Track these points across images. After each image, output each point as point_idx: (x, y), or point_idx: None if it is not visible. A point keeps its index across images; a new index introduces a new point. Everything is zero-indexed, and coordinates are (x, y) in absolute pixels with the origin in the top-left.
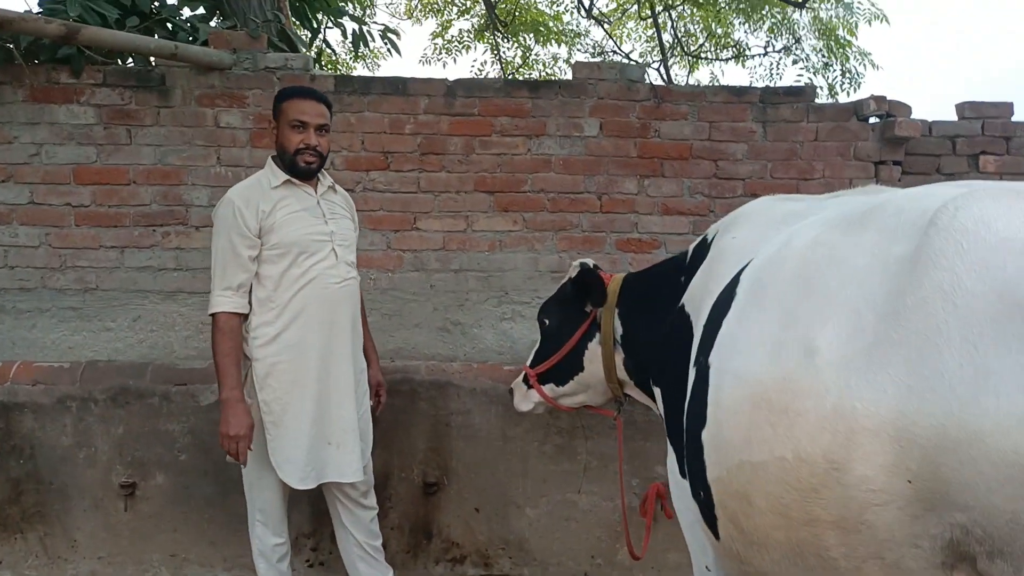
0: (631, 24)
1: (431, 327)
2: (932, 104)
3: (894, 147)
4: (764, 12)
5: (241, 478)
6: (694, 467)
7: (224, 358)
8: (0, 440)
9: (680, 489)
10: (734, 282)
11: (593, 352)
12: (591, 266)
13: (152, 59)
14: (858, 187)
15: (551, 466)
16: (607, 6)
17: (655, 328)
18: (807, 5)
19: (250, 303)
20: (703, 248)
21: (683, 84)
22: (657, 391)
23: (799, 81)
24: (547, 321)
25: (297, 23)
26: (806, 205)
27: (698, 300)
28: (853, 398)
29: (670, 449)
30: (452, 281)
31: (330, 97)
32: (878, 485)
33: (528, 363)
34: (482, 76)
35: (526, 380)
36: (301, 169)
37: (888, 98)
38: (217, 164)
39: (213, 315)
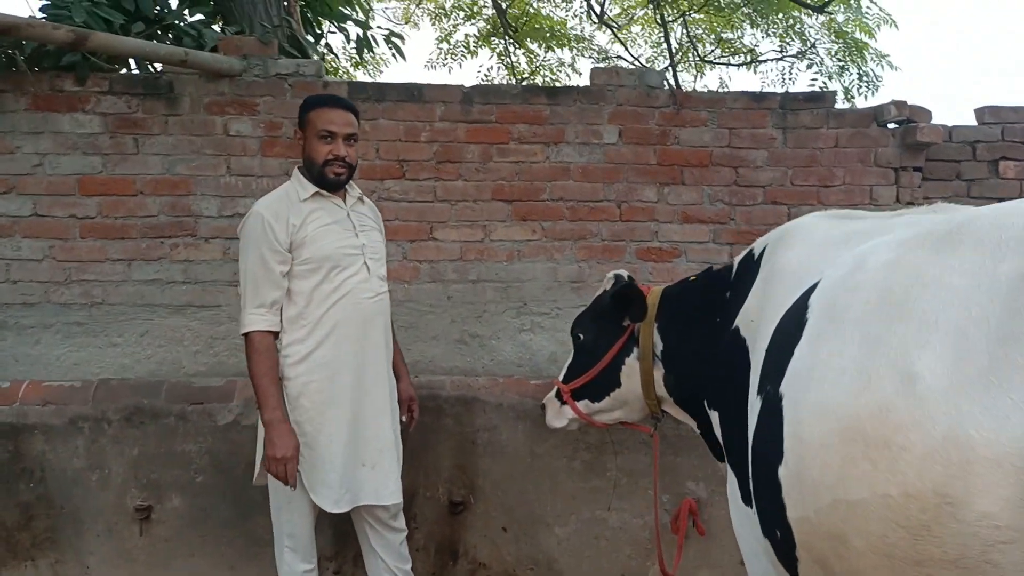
0: (636, 29)
1: (448, 339)
2: (933, 104)
3: (915, 153)
4: (776, 17)
5: (263, 500)
6: (768, 505)
7: (263, 378)
8: (9, 463)
9: (743, 516)
10: (801, 306)
11: (631, 368)
12: (626, 278)
13: (158, 65)
14: (925, 205)
15: (580, 483)
16: (611, 10)
17: (698, 344)
18: (825, 9)
19: (280, 320)
20: (751, 264)
21: (702, 90)
22: (714, 415)
23: (813, 85)
24: (581, 335)
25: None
26: (870, 224)
27: (755, 324)
28: (968, 426)
29: (730, 474)
30: (469, 292)
31: None
32: (1003, 520)
33: (560, 378)
34: (489, 82)
35: (559, 396)
36: (330, 181)
37: (908, 103)
38: (227, 174)
39: (246, 335)
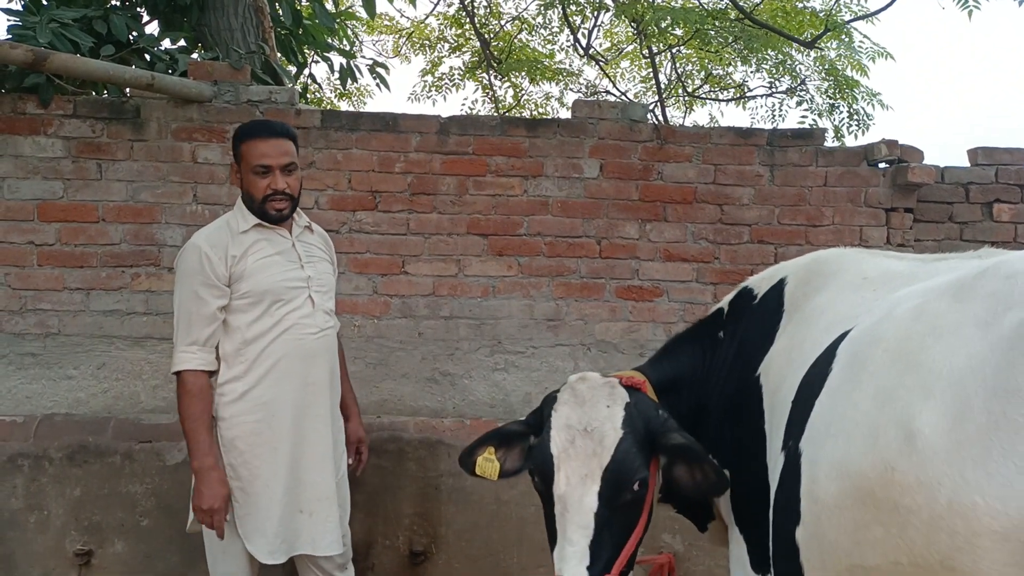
0: (625, 64)
1: (419, 378)
2: (920, 139)
3: (906, 194)
4: (766, 53)
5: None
6: (785, 569)
7: (194, 423)
8: None
9: None
10: (828, 356)
11: (656, 484)
12: (606, 378)
13: (127, 90)
14: (973, 250)
15: None
16: (600, 45)
17: (700, 405)
18: (815, 45)
19: (217, 357)
20: (754, 304)
21: (687, 125)
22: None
23: (803, 123)
24: (641, 480)
25: (282, 57)
26: (909, 266)
27: (777, 370)
28: (972, 492)
29: (737, 537)
30: (442, 329)
31: (316, 133)
32: None
33: (583, 571)
34: (472, 113)
35: None
36: (272, 217)
37: (900, 142)
38: (193, 202)
39: (177, 374)
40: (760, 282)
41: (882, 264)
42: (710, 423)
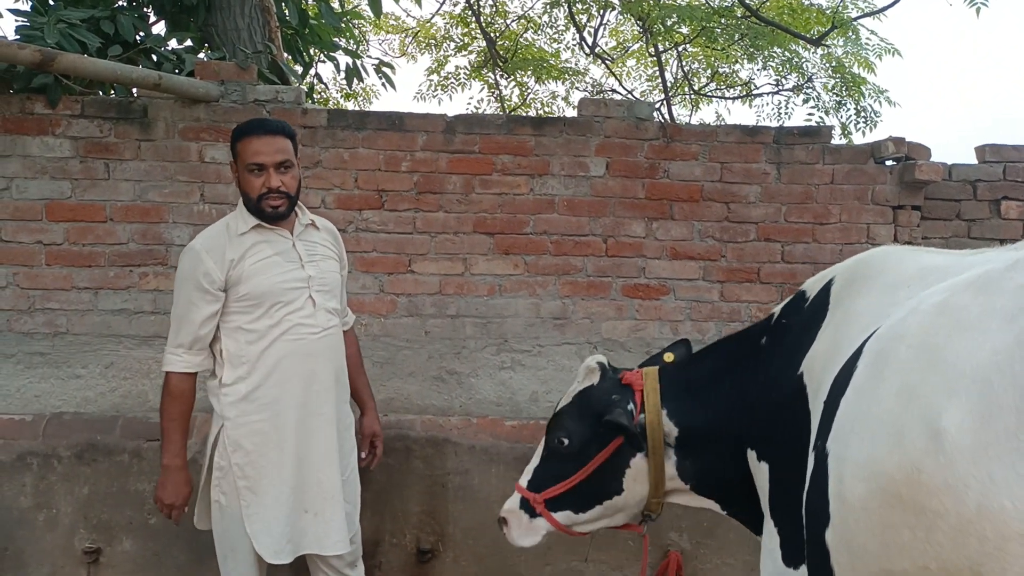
0: (631, 62)
1: (425, 376)
2: (922, 138)
3: (913, 191)
4: (773, 50)
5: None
6: (817, 573)
7: (171, 422)
8: None
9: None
10: (856, 353)
11: (638, 469)
12: (606, 365)
13: (134, 90)
14: (1013, 243)
15: None
16: (606, 44)
17: (733, 406)
18: (822, 42)
19: (221, 357)
20: (805, 305)
21: (693, 123)
22: (764, 466)
23: (809, 120)
24: (566, 440)
25: (289, 57)
26: (945, 261)
27: (819, 369)
28: (1001, 496)
29: (772, 529)
30: (448, 327)
31: (322, 132)
32: None
33: (524, 483)
34: (481, 112)
35: (527, 507)
36: (268, 215)
37: (907, 140)
38: (201, 201)
39: (165, 374)
40: (814, 283)
41: (921, 260)
42: (755, 419)
